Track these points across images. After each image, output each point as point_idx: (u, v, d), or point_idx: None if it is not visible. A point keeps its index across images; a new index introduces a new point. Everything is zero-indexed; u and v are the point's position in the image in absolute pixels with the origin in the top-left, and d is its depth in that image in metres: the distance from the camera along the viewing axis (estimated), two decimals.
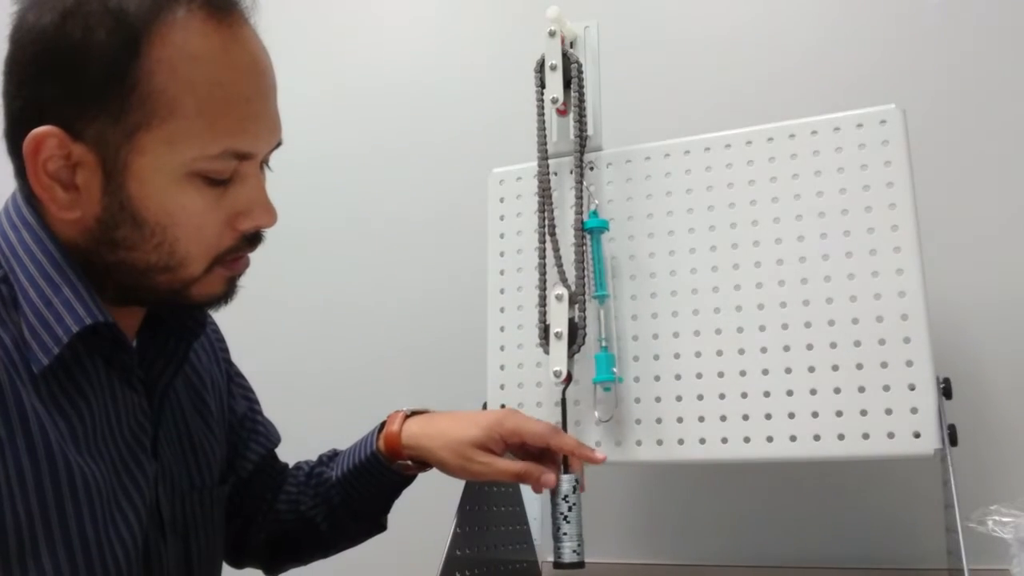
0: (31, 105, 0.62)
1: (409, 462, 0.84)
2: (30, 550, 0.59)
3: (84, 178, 0.62)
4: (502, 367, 0.96)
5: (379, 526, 0.90)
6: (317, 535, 0.88)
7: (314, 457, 0.92)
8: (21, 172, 0.64)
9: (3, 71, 0.64)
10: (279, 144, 0.70)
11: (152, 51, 0.60)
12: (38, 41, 0.61)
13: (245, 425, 0.89)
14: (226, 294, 0.70)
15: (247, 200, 0.67)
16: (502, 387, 0.95)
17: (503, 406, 0.95)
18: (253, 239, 0.69)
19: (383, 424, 0.86)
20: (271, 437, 0.91)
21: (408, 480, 0.87)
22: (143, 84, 0.60)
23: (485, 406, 0.96)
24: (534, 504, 1.10)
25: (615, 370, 0.88)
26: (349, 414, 1.32)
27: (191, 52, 0.61)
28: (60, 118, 0.61)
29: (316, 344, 1.41)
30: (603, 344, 0.89)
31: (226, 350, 0.90)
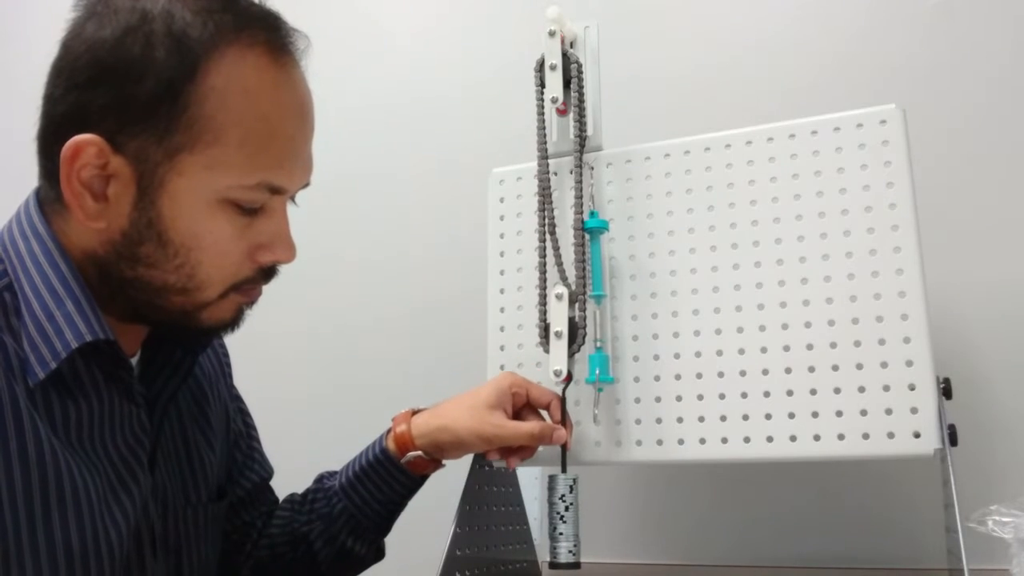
0: (75, 111, 0.62)
1: (421, 453, 0.84)
2: (15, 558, 0.58)
3: (116, 190, 0.63)
4: (502, 367, 0.96)
5: (377, 550, 0.88)
6: (310, 556, 0.86)
7: (308, 472, 0.91)
8: (48, 175, 0.65)
9: (50, 74, 0.65)
10: (307, 184, 0.72)
11: (207, 78, 0.62)
12: (94, 51, 0.62)
13: (242, 448, 0.88)
14: (234, 321, 0.71)
15: (271, 234, 0.68)
16: None
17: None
18: (269, 272, 0.70)
19: (389, 429, 0.86)
20: (266, 467, 0.91)
21: (415, 485, 0.86)
22: (193, 108, 0.61)
23: None
24: (534, 504, 1.10)
25: (598, 371, 0.87)
26: (348, 415, 1.32)
27: (244, 85, 0.63)
28: (104, 128, 0.61)
29: (313, 345, 1.41)
30: (598, 344, 0.89)
31: (230, 365, 0.89)
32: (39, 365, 0.61)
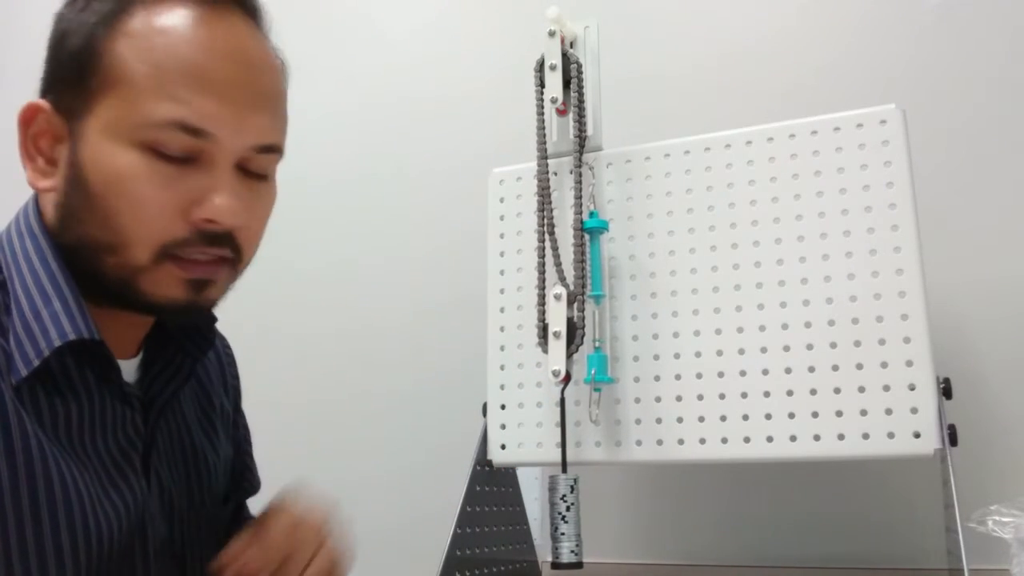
0: (40, 88, 0.66)
1: None
2: (2, 557, 0.58)
3: (60, 152, 0.64)
4: (502, 367, 0.96)
5: None
6: None
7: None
8: None
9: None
10: (272, 151, 0.67)
11: (123, 25, 0.63)
12: (52, 29, 0.66)
13: (239, 462, 0.87)
14: (189, 302, 0.65)
15: (203, 188, 0.63)
16: (502, 387, 0.95)
17: (503, 406, 0.95)
18: (212, 239, 0.64)
19: None
20: (254, 485, 0.89)
21: None
22: (107, 55, 0.63)
23: (485, 407, 0.96)
24: (534, 504, 1.10)
25: (594, 371, 0.87)
26: (349, 416, 1.32)
27: (159, 26, 0.63)
28: (49, 96, 0.65)
29: (313, 346, 1.41)
30: (596, 345, 0.89)
31: (237, 377, 0.88)
32: (23, 363, 0.61)
